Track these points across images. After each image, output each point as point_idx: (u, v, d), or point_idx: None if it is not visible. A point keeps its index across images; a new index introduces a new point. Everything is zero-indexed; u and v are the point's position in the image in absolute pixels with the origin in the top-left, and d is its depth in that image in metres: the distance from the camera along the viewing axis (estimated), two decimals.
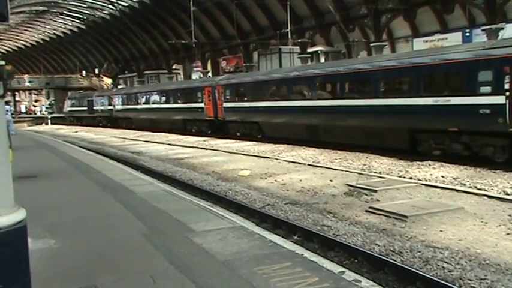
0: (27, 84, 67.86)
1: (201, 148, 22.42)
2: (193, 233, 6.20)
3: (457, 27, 32.17)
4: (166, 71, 60.14)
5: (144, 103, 39.04)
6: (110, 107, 45.77)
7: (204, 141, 26.03)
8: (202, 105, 29.50)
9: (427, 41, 31.69)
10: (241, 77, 28.82)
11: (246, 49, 46.79)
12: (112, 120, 45.72)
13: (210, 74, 52.30)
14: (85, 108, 51.84)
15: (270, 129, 23.74)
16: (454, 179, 11.97)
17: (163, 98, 35.68)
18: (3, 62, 2.76)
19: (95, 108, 49.56)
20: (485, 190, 10.54)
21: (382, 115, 16.64)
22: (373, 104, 17.02)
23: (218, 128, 28.68)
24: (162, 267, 4.94)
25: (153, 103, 37.33)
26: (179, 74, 61.89)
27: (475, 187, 10.89)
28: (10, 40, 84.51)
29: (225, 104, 27.10)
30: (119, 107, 44.00)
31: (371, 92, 17.28)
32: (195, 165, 16.66)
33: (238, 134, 26.50)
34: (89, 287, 4.50)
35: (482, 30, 27.99)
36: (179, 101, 33.14)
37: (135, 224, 6.80)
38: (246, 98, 25.61)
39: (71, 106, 57.46)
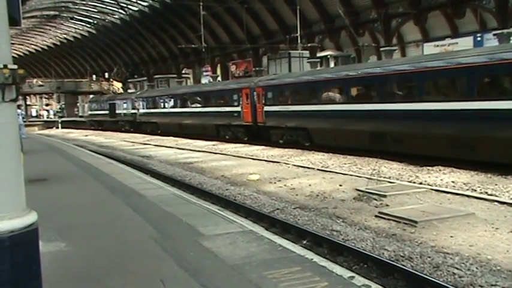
0: (38, 88, 68.40)
1: (210, 152, 22.45)
2: (203, 237, 6.21)
3: (468, 31, 32.03)
4: (175, 76, 60.42)
5: (171, 106, 36.49)
6: (133, 111, 43.23)
7: (213, 145, 26.07)
8: (238, 109, 26.96)
9: (437, 46, 31.55)
10: (285, 77, 25.79)
11: (255, 53, 46.94)
12: (135, 125, 43.25)
13: (219, 78, 52.47)
14: (107, 112, 49.51)
15: (322, 137, 20.90)
16: (464, 184, 11.89)
17: (194, 101, 33.11)
18: (15, 66, 2.79)
19: (117, 112, 47.12)
20: (496, 196, 10.44)
21: (479, 121, 13.61)
22: (466, 108, 13.97)
23: (256, 135, 26.08)
24: (171, 271, 4.95)
25: (182, 106, 34.57)
26: (189, 78, 62.16)
27: (486, 193, 10.80)
28: (22, 44, 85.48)
29: (266, 108, 24.42)
30: (143, 110, 41.46)
31: (463, 94, 14.42)
32: (204, 170, 16.69)
33: (281, 141, 23.73)
34: None
35: (494, 34, 27.86)
36: (212, 105, 30.38)
37: (144, 228, 6.82)
38: (292, 101, 22.80)
39: (92, 110, 55.10)
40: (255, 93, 25.57)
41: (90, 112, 56.16)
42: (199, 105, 32.28)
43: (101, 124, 52.37)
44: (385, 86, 17.37)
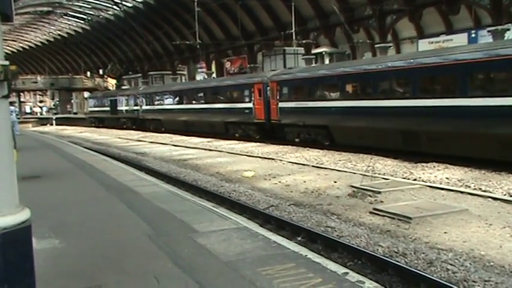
0: (31, 84, 68.09)
1: (205, 149, 22.44)
2: (197, 234, 6.21)
3: (462, 28, 32.12)
4: (170, 72, 60.29)
5: (176, 103, 34.62)
6: (135, 108, 41.28)
7: (208, 142, 26.05)
8: (250, 105, 25.30)
9: (432, 42, 31.62)
10: (304, 71, 23.72)
11: (250, 50, 46.88)
12: (138, 122, 41.26)
13: (214, 75, 52.41)
14: (107, 108, 47.41)
15: (344, 135, 19.20)
16: (458, 180, 11.94)
17: (201, 97, 31.27)
18: (7, 62, 2.78)
19: (118, 108, 45.00)
20: (490, 192, 10.50)
21: None
22: None
23: (269, 133, 24.50)
24: (166, 268, 4.95)
25: (188, 103, 32.80)
26: (184, 74, 62.07)
27: (480, 189, 10.86)
28: (15, 41, 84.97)
29: (281, 104, 22.73)
30: (146, 107, 39.45)
31: None
32: (199, 166, 16.68)
33: (297, 140, 22.19)
34: (93, 287, 4.51)
35: (488, 31, 27.94)
36: (221, 101, 28.68)
37: (139, 225, 6.81)
38: (311, 97, 20.92)
39: (92, 106, 52.85)
40: (268, 88, 23.96)
41: (90, 109, 53.97)
42: (207, 101, 30.40)
43: (101, 121, 50.35)
44: (422, 80, 15.73)
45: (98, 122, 51.08)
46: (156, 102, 38.14)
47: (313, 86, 21.11)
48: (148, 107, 39.35)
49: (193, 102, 32.15)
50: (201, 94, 31.52)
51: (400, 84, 17.02)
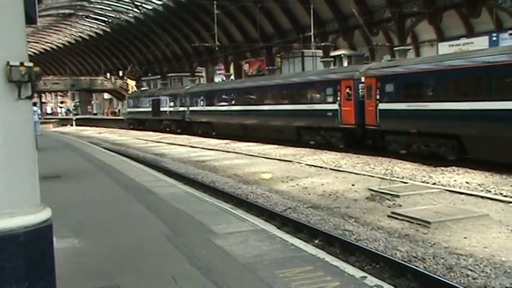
0: (53, 85, 69.12)
1: (223, 151, 22.50)
2: (215, 235, 6.22)
3: (483, 31, 31.66)
4: (189, 74, 60.68)
5: (232, 103, 29.96)
6: (181, 109, 36.87)
7: (226, 144, 26.11)
8: (334, 106, 20.71)
9: (452, 45, 31.24)
10: (420, 62, 18.37)
11: (268, 52, 46.88)
12: (184, 125, 37.11)
13: (232, 77, 52.54)
14: (149, 109, 43.09)
15: (487, 149, 14.16)
16: (479, 185, 11.77)
17: (265, 97, 26.62)
18: (31, 64, 2.82)
19: (161, 109, 40.54)
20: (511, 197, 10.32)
21: None
22: None
23: (359, 141, 20.02)
24: (183, 269, 4.97)
25: (247, 103, 27.90)
26: (202, 76, 62.39)
27: (501, 194, 10.69)
28: (37, 42, 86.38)
29: (382, 105, 18.14)
30: (194, 108, 34.85)
31: None
32: (216, 168, 16.73)
33: (402, 152, 17.46)
34: (111, 286, 4.55)
35: (510, 34, 27.52)
36: (291, 101, 24.20)
37: (157, 225, 6.85)
38: (433, 96, 15.98)
39: (132, 107, 48.49)
40: (361, 85, 19.75)
41: (128, 109, 49.22)
42: (272, 101, 26.03)
43: (141, 123, 45.87)
44: None
45: (138, 124, 46.65)
46: (206, 103, 33.46)
47: (438, 81, 15.99)
48: (196, 108, 34.74)
49: (254, 103, 27.48)
50: (265, 93, 26.98)
51: None
